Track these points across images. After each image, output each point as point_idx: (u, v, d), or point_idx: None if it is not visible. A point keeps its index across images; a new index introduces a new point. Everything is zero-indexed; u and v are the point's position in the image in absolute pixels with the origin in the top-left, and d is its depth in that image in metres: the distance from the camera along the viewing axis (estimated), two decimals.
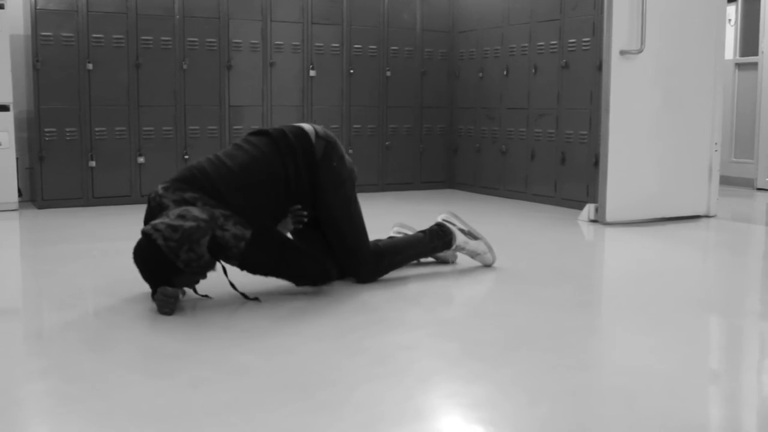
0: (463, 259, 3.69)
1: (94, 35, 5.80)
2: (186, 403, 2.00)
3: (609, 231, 4.80)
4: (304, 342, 2.53)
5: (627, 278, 3.66)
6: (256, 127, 6.32)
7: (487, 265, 3.60)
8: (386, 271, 3.33)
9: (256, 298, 2.97)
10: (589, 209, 5.13)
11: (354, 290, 3.18)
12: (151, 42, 5.98)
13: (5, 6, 5.55)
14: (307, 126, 3.16)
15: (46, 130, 5.70)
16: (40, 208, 5.70)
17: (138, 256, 2.79)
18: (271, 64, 6.41)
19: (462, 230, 3.54)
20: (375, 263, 3.25)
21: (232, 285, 2.93)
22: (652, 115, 5.08)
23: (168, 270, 2.75)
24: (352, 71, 6.72)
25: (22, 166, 5.97)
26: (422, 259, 3.63)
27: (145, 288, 2.93)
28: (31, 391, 2.12)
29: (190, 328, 2.66)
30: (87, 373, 2.24)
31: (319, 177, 3.07)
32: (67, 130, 5.76)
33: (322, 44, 6.59)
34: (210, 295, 2.98)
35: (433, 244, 3.48)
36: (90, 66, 5.79)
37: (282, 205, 3.05)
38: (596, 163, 5.33)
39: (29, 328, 2.81)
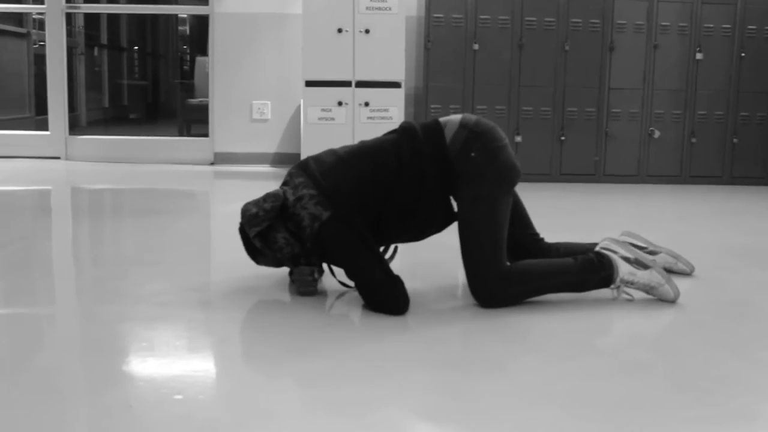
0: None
1: (482, 16, 5.99)
2: (579, 390, 1.99)
3: None
4: (699, 345, 2.41)
5: None
6: (634, 110, 6.19)
7: (668, 301, 2.78)
8: (507, 304, 2.68)
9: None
10: None
11: (735, 292, 2.97)
12: (535, 23, 6.05)
13: None
14: (451, 117, 2.77)
15: (432, 106, 6.02)
16: None
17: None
18: (655, 46, 6.18)
19: (626, 258, 2.76)
20: (497, 289, 2.66)
21: (332, 272, 2.80)
22: None
23: (254, 252, 2.72)
24: (743, 54, 6.26)
25: None
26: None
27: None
28: (434, 361, 2.23)
29: (570, 313, 2.65)
30: (482, 351, 2.32)
31: (455, 169, 2.66)
32: (451, 107, 6.03)
33: (711, 25, 6.21)
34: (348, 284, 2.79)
35: (582, 277, 2.73)
36: (476, 46, 6.00)
37: (380, 200, 2.65)
38: None
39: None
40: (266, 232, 2.65)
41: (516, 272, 2.70)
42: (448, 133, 2.68)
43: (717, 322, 2.64)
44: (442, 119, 2.76)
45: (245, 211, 2.69)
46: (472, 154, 2.64)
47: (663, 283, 2.75)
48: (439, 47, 6.00)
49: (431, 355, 2.22)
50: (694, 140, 6.27)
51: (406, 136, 2.70)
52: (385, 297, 2.58)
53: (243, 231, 2.71)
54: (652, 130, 6.22)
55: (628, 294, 2.78)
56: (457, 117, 2.74)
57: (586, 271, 2.72)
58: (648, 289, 2.77)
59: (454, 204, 2.77)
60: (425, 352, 2.25)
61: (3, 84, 9.55)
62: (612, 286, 2.75)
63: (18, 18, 10.06)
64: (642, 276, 2.75)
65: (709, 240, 4.05)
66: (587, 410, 1.87)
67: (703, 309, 2.75)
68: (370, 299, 2.61)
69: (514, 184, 2.73)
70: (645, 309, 2.71)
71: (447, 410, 1.84)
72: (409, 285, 2.63)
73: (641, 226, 4.31)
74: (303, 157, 5.95)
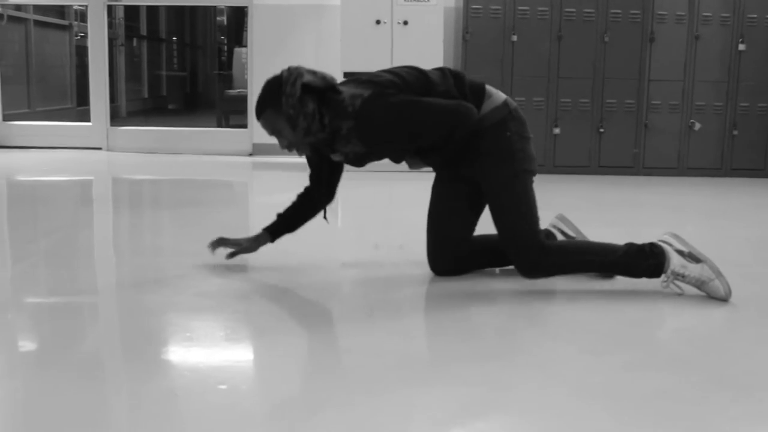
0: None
1: (520, 8, 5.96)
2: (618, 384, 1.98)
3: None
4: (741, 341, 2.39)
5: None
6: (675, 102, 6.12)
7: (720, 299, 2.68)
8: (551, 273, 2.81)
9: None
10: None
11: None
12: (574, 14, 6.00)
13: None
14: (498, 91, 2.79)
15: None
16: None
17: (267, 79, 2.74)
18: (696, 37, 6.10)
19: (680, 251, 2.71)
20: (537, 257, 2.75)
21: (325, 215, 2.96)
22: None
23: (273, 99, 2.65)
24: None
25: None
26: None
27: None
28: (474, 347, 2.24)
29: (614, 306, 2.64)
30: (520, 343, 2.32)
31: (484, 140, 2.73)
32: None
33: (755, 15, 6.11)
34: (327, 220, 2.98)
35: (627, 261, 2.73)
36: (514, 38, 5.97)
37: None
38: None
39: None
40: (305, 94, 2.60)
41: (555, 244, 2.84)
42: (488, 105, 2.72)
43: (760, 317, 2.62)
44: (488, 87, 2.79)
45: (299, 67, 2.66)
46: (508, 134, 2.73)
47: (713, 277, 2.68)
48: (477, 39, 5.98)
49: (469, 348, 2.23)
50: (735, 132, 6.19)
51: (454, 78, 2.71)
52: (459, 112, 2.61)
53: (275, 82, 2.65)
54: (692, 122, 6.15)
55: (678, 287, 2.74)
56: (502, 94, 2.80)
57: (632, 255, 2.73)
58: (699, 284, 2.70)
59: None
60: (462, 343, 2.25)
61: (46, 75, 9.69)
62: (663, 276, 2.72)
63: (60, 10, 10.21)
64: (693, 269, 2.68)
65: (752, 234, 4.00)
66: (624, 403, 1.86)
67: (747, 304, 2.71)
68: (449, 124, 2.63)
69: (535, 174, 2.82)
70: (692, 304, 2.69)
71: (485, 402, 1.85)
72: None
73: (681, 220, 4.29)
74: None
